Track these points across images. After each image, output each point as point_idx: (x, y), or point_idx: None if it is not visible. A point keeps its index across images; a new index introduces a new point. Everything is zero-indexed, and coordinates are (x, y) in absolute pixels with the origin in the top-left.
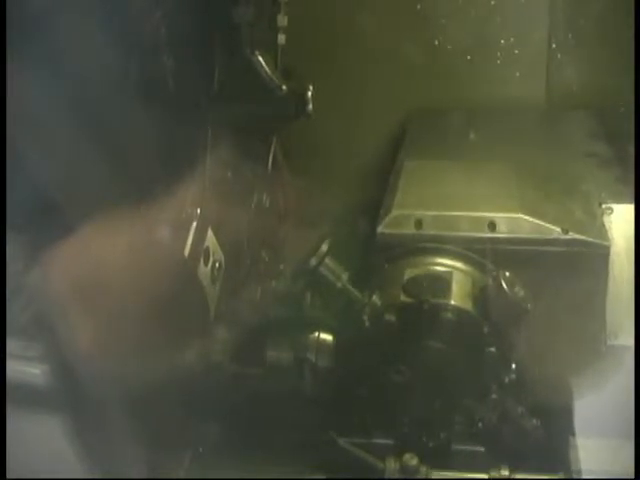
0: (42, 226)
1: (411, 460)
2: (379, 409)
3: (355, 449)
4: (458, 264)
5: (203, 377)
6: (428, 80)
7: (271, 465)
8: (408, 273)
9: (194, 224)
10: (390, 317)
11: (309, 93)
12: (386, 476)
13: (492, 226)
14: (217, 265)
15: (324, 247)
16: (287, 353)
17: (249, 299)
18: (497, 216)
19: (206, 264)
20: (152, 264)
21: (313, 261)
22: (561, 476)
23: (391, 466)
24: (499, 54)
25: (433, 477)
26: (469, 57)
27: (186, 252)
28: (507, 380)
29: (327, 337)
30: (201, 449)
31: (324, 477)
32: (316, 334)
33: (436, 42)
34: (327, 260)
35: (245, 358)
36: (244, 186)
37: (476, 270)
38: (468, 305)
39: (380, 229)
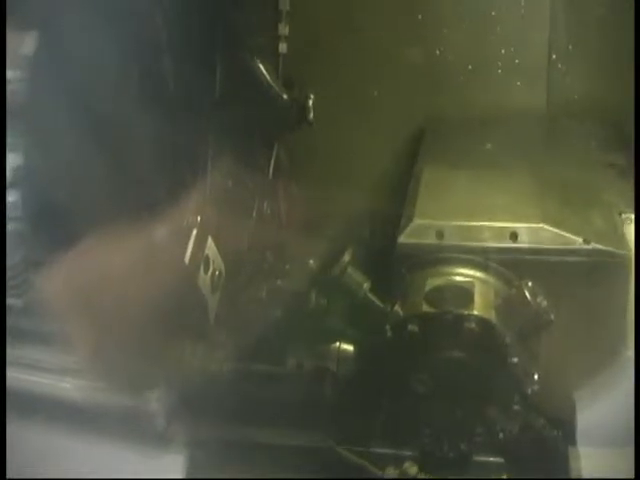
0: (44, 235)
1: (410, 468)
2: (400, 419)
3: (354, 457)
4: (480, 274)
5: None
6: (429, 89)
7: (269, 471)
8: (430, 283)
9: (194, 232)
10: (413, 327)
11: (310, 101)
12: None
13: (514, 236)
14: (217, 273)
15: (346, 256)
16: (308, 362)
17: (253, 301)
18: (519, 226)
19: (206, 272)
20: (152, 272)
21: (335, 270)
22: None
23: (390, 474)
24: (500, 64)
25: None
26: (470, 67)
27: (186, 260)
28: (529, 391)
29: (348, 347)
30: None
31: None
32: (337, 344)
33: (437, 52)
34: (349, 269)
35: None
36: (245, 194)
37: (498, 280)
38: (491, 315)
39: (401, 239)
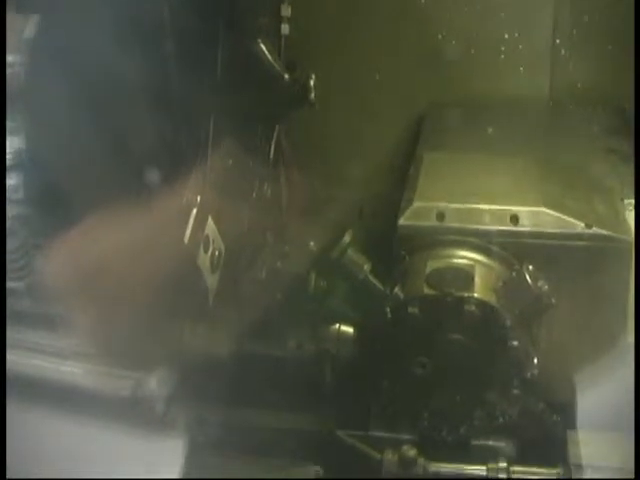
0: (45, 218)
1: (409, 452)
2: (400, 401)
3: (353, 440)
4: (480, 257)
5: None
6: (430, 73)
7: (267, 454)
8: (430, 265)
9: (194, 212)
10: (413, 309)
11: (312, 82)
12: (384, 467)
13: (515, 219)
14: (217, 253)
15: (347, 238)
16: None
17: (253, 282)
18: (520, 209)
19: (206, 252)
20: (152, 251)
21: (336, 252)
22: (559, 469)
23: (388, 457)
24: (503, 48)
25: (431, 469)
26: (472, 51)
27: (186, 239)
28: (529, 375)
29: (348, 329)
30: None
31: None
32: (337, 326)
33: (440, 36)
34: (350, 251)
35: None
36: (245, 175)
37: (498, 263)
38: (491, 298)
39: (401, 221)
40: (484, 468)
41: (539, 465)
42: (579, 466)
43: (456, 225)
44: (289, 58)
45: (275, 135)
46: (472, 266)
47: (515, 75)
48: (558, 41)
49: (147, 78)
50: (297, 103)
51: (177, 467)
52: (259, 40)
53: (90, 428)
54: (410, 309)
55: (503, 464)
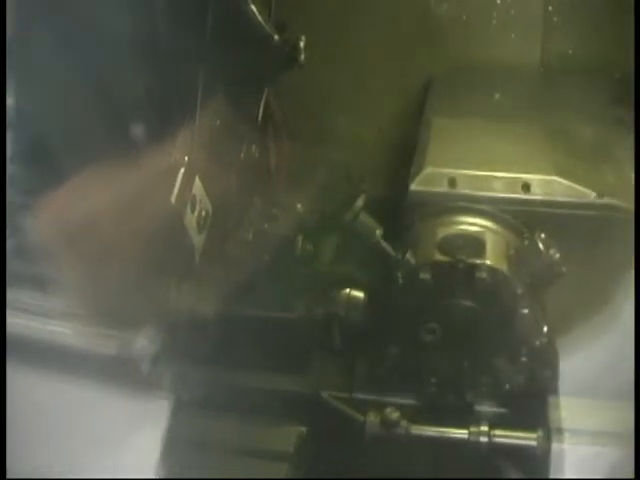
0: (33, 176)
1: (392, 414)
2: (408, 367)
3: (337, 402)
4: (491, 224)
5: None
6: (420, 39)
7: (252, 414)
8: (441, 232)
9: (182, 171)
10: (425, 275)
11: (301, 43)
12: (367, 429)
13: (526, 187)
14: (204, 214)
15: (359, 202)
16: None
17: (239, 243)
18: (531, 177)
19: (193, 212)
20: (139, 210)
21: (348, 216)
22: (539, 433)
23: (371, 419)
24: (495, 14)
25: (413, 432)
26: (464, 17)
27: (173, 199)
28: (538, 343)
29: (358, 293)
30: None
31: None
32: (347, 290)
33: (432, 0)
34: (362, 215)
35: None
36: (234, 136)
37: (509, 231)
38: (503, 266)
39: (413, 186)
40: (466, 432)
41: (520, 429)
42: (559, 430)
43: (468, 192)
44: (279, 19)
45: (264, 97)
46: (483, 233)
47: (506, 42)
48: (550, 8)
49: (135, 34)
50: (286, 65)
51: (161, 426)
52: (249, 1)
53: (75, 387)
54: (422, 275)
55: (484, 427)
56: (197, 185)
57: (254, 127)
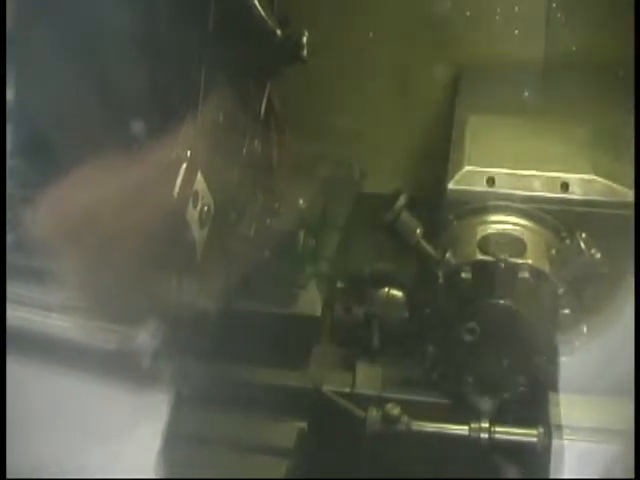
0: (34, 169)
1: (393, 410)
2: (447, 366)
3: (338, 398)
4: (529, 223)
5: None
6: (424, 33)
7: (253, 409)
8: (481, 231)
9: (184, 166)
10: (466, 274)
11: (304, 38)
12: (368, 425)
13: (565, 187)
14: (206, 209)
15: (401, 201)
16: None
17: (241, 239)
18: (570, 177)
19: (195, 207)
20: (141, 205)
21: (389, 215)
22: (539, 429)
23: (372, 415)
24: (499, 10)
25: (414, 428)
26: (468, 13)
27: (175, 194)
28: (577, 343)
29: (397, 292)
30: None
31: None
32: (386, 289)
33: None
34: (404, 214)
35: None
36: (236, 131)
37: (547, 230)
38: (545, 265)
39: (451, 185)
40: (466, 428)
41: (521, 425)
42: (559, 427)
43: (507, 191)
44: (282, 14)
45: (266, 92)
46: (523, 232)
47: (510, 38)
48: (554, 5)
49: (137, 28)
50: (289, 60)
51: (162, 420)
52: None
53: (76, 381)
54: (463, 274)
55: (485, 424)
56: (199, 180)
57: (256, 122)
